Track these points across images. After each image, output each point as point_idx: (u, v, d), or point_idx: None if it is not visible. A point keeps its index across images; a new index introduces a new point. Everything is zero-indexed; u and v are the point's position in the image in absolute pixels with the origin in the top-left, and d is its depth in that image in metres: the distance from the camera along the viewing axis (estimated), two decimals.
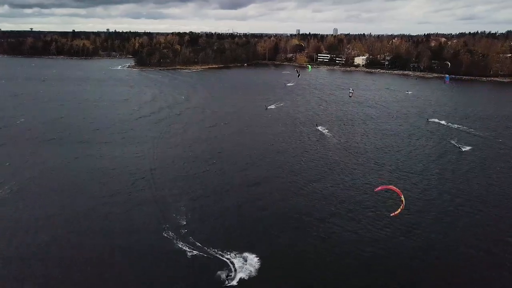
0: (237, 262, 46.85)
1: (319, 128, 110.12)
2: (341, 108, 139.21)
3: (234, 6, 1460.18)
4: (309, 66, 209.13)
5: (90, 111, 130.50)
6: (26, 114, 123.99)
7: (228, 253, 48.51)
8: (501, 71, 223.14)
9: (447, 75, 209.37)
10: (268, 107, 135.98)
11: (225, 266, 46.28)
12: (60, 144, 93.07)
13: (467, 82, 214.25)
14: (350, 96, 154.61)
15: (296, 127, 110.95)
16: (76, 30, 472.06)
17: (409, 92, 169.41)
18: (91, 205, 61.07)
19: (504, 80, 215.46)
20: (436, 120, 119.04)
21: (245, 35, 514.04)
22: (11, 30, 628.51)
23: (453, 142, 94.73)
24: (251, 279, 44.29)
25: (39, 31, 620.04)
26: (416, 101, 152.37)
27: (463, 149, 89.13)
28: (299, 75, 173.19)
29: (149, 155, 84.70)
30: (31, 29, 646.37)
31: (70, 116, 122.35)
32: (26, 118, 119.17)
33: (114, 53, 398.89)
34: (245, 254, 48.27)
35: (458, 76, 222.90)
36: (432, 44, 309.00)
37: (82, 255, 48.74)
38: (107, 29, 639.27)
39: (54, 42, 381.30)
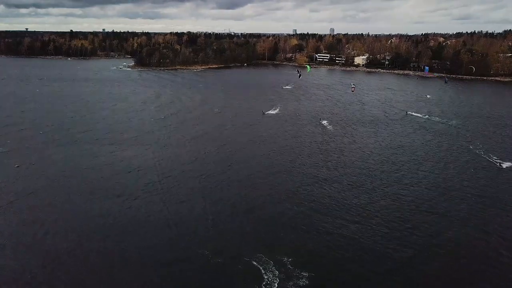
0: (260, 266, 46.43)
1: (323, 122, 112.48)
2: (358, 109, 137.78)
3: (232, 6, 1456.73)
4: (308, 66, 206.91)
5: (107, 112, 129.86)
6: (41, 115, 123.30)
7: (249, 256, 48.04)
8: (501, 71, 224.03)
9: (426, 67, 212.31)
10: (266, 112, 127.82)
11: (248, 269, 45.86)
12: (75, 146, 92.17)
13: (468, 82, 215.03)
14: (352, 91, 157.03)
15: (301, 128, 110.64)
16: (70, 30, 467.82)
17: (429, 96, 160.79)
18: (103, 209, 60.19)
19: (505, 80, 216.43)
20: (414, 114, 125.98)
21: (242, 35, 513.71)
22: (6, 30, 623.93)
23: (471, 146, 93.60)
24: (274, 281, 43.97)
25: (34, 31, 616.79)
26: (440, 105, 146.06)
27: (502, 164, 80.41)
28: (300, 75, 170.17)
29: (165, 158, 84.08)
30: (27, 29, 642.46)
31: (87, 117, 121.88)
32: (41, 119, 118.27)
33: (112, 53, 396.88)
34: (266, 258, 47.82)
35: (459, 76, 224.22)
36: (431, 43, 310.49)
37: (99, 259, 48.29)
38: (103, 29, 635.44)
39: (52, 42, 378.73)
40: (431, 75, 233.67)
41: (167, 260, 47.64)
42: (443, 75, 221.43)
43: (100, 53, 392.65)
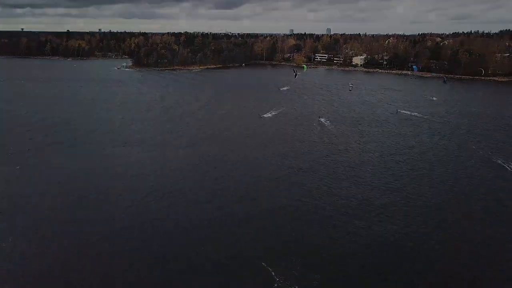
0: (270, 268, 46.32)
1: (325, 123, 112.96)
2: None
3: (229, 6, 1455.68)
4: (304, 65, 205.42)
5: (111, 113, 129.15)
6: (44, 116, 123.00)
7: (260, 259, 47.92)
8: (499, 71, 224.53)
9: (414, 66, 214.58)
10: (263, 115, 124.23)
11: (259, 272, 45.71)
12: (80, 147, 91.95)
13: (467, 82, 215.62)
14: (350, 90, 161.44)
15: (302, 130, 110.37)
16: (67, 30, 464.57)
17: (434, 98, 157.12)
18: (107, 212, 59.96)
19: (503, 80, 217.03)
20: (405, 111, 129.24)
21: (239, 35, 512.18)
22: (2, 31, 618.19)
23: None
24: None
25: (30, 31, 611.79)
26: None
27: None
28: (296, 75, 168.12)
29: (170, 160, 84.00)
30: (22, 29, 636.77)
31: (91, 118, 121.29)
32: (45, 120, 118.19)
33: (109, 53, 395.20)
34: (275, 260, 47.81)
35: (458, 76, 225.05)
36: (429, 43, 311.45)
37: (102, 262, 48.11)
38: (99, 29, 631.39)
39: (48, 43, 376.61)
40: (428, 75, 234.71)
41: (173, 263, 47.46)
42: (441, 75, 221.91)
43: (98, 53, 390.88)
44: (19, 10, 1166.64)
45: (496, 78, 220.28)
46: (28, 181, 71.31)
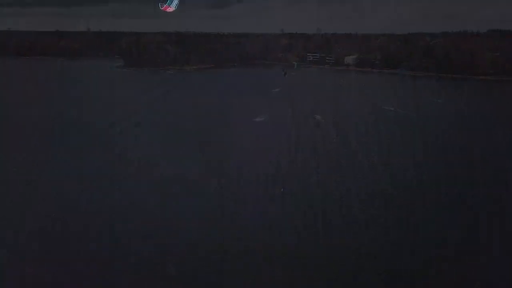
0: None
1: (317, 117, 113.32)
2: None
3: (221, 5, 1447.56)
4: (295, 63, 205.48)
5: (112, 115, 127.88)
6: (45, 118, 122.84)
7: (263, 259, 48.20)
8: (491, 70, 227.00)
9: (398, 69, 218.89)
10: (257, 119, 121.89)
11: (262, 273, 45.97)
12: (83, 151, 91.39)
13: (460, 81, 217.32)
14: (341, 85, 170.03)
15: (300, 134, 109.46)
16: (56, 30, 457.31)
17: (439, 101, 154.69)
18: (106, 214, 60.27)
19: (494, 79, 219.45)
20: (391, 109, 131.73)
21: (231, 34, 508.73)
22: None
23: None
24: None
25: (19, 30, 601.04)
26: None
27: None
28: (285, 74, 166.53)
29: (168, 168, 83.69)
30: (9, 29, 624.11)
31: (91, 121, 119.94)
32: (44, 123, 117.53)
33: (101, 53, 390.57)
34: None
35: (449, 75, 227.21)
36: (421, 43, 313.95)
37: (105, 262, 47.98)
38: (89, 28, 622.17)
39: (39, 43, 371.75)
40: (421, 74, 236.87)
41: (172, 264, 47.47)
42: (433, 74, 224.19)
43: (89, 53, 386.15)
44: (6, 10, 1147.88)
45: (488, 77, 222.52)
46: (26, 183, 70.65)
